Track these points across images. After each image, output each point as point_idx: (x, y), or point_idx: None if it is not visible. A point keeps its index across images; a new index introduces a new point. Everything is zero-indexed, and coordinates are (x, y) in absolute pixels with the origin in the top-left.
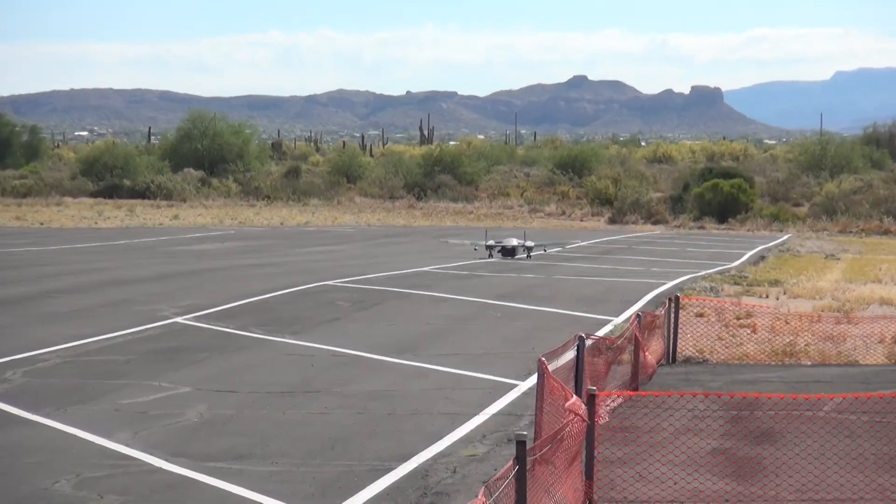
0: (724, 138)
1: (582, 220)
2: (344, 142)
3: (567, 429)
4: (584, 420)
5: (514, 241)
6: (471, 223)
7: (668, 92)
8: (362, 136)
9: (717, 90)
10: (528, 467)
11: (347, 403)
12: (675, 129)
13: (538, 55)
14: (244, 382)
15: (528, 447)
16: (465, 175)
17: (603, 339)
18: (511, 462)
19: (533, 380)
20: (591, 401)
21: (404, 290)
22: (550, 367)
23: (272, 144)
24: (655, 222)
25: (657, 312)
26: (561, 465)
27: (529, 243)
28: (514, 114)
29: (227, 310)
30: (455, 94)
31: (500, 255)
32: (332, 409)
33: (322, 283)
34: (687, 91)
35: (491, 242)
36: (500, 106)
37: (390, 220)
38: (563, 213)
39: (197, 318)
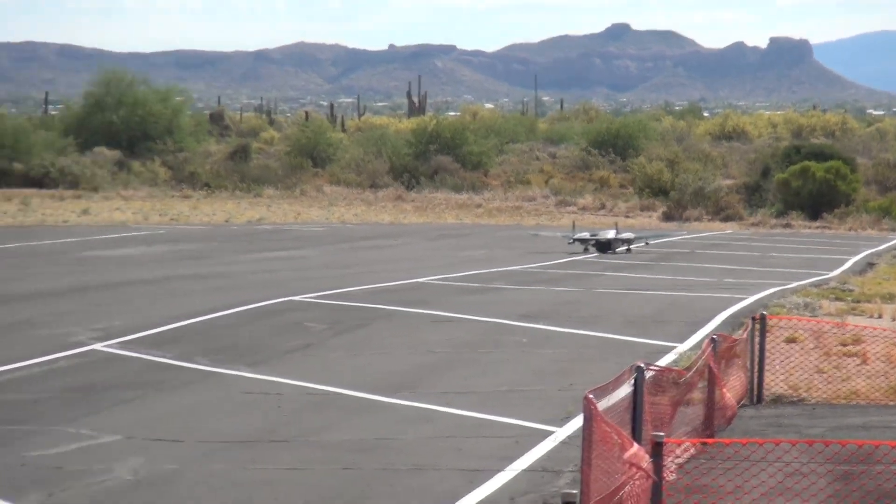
0: (815, 107)
1: (628, 216)
2: (307, 112)
3: (626, 488)
4: (649, 476)
5: (611, 234)
6: (479, 220)
7: (739, 46)
8: (331, 106)
9: (804, 43)
10: None
11: (328, 457)
12: (748, 95)
13: None
14: (190, 429)
15: None
16: (469, 156)
17: (667, 370)
18: None
19: (572, 425)
20: (657, 451)
21: (396, 307)
22: (599, 408)
23: (211, 116)
24: (726, 219)
25: (736, 336)
26: None
27: (628, 235)
28: (534, 75)
29: (161, 334)
30: (454, 48)
31: (595, 249)
32: (308, 464)
33: (284, 300)
34: (764, 44)
35: (585, 235)
36: (515, 64)
37: (372, 215)
38: (603, 206)
39: (122, 345)
